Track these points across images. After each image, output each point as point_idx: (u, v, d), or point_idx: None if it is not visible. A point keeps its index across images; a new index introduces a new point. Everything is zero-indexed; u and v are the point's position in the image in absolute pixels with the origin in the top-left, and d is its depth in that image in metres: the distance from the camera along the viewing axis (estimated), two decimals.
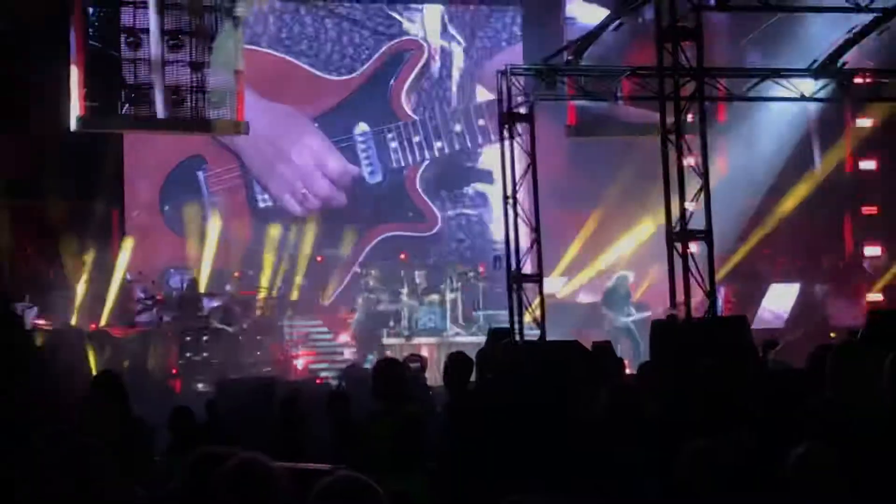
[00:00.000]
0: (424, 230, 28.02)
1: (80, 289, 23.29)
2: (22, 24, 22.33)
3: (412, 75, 28.18)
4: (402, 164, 27.93)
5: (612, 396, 7.43)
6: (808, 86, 19.76)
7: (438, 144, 28.06)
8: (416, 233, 27.82)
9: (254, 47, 26.20)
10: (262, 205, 27.07)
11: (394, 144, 27.99)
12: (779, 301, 24.57)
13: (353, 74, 28.03)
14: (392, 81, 28.07)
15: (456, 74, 28.47)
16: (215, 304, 23.24)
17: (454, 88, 28.40)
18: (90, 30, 21.84)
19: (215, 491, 4.19)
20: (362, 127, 27.90)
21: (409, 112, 28.12)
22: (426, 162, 28.06)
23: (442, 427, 9.12)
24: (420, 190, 28.13)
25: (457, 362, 9.42)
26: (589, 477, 7.32)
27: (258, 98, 25.21)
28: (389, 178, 27.88)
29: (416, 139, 28.03)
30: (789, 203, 25.22)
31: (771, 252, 25.90)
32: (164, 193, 26.53)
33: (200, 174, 26.85)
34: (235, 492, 4.15)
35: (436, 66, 28.42)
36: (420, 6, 28.37)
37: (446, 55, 28.43)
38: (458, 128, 28.12)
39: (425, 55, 28.24)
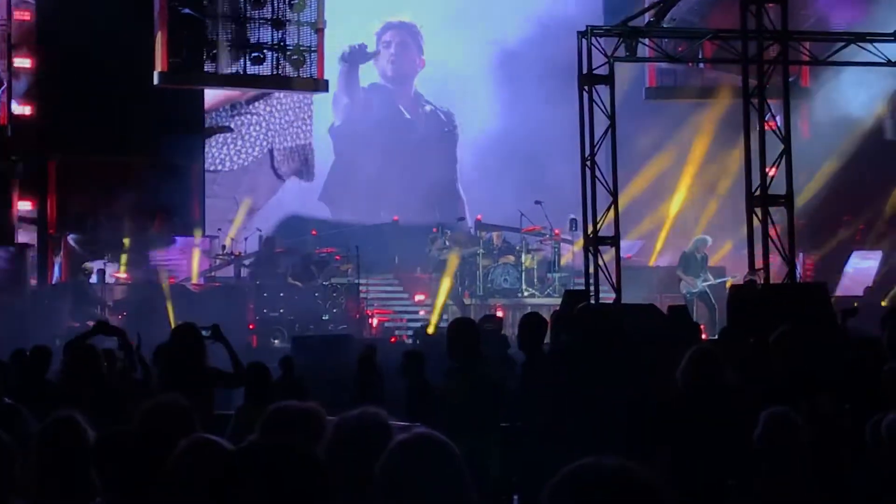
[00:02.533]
0: None
1: (160, 243, 23.56)
2: None
3: None
4: None
5: (691, 360, 7.37)
6: (895, 50, 19.42)
7: None
8: None
9: None
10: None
11: None
12: (861, 269, 24.30)
13: None
14: None
15: None
16: (292, 261, 23.41)
17: None
18: None
19: (331, 440, 4.23)
20: None
21: None
22: None
23: (517, 388, 9.13)
24: None
25: (531, 324, 9.39)
26: (665, 441, 7.29)
27: None
28: None
29: None
30: (871, 168, 24.87)
31: (852, 218, 25.58)
32: None
33: None
34: (356, 444, 4.18)
35: None
36: None
37: None
38: None
39: None
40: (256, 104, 27.50)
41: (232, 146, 27.35)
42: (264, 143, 27.61)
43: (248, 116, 27.52)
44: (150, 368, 9.48)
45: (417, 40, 28.70)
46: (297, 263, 23.24)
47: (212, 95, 26.52)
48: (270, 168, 27.74)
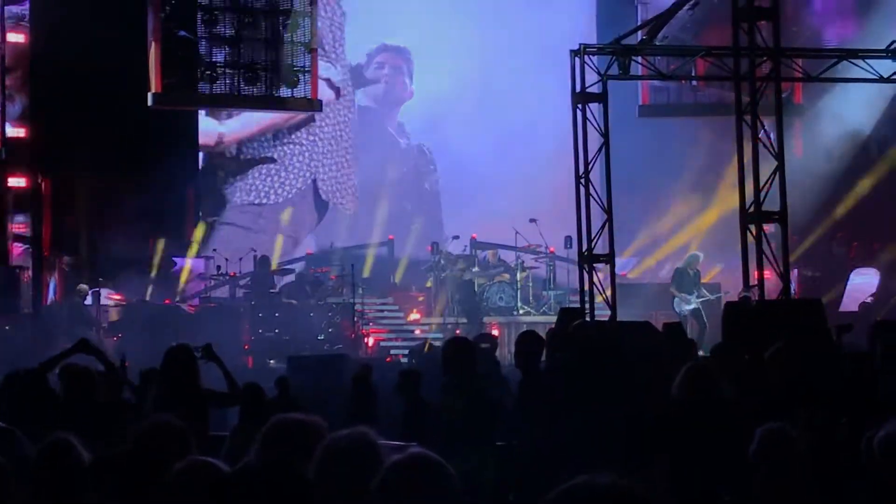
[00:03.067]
0: None
1: (156, 264, 23.56)
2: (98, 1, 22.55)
3: None
4: None
5: (687, 376, 7.38)
6: (887, 67, 19.43)
7: None
8: None
9: None
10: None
11: None
12: (857, 284, 24.32)
13: None
14: None
15: None
16: (287, 280, 23.41)
17: None
18: (167, 7, 21.99)
19: (319, 460, 4.23)
20: None
21: None
22: None
23: (513, 406, 9.14)
24: None
25: (528, 341, 9.40)
26: (662, 451, 7.30)
27: None
28: None
29: None
30: (866, 185, 24.88)
31: (846, 235, 25.59)
32: None
33: None
34: (345, 464, 4.18)
35: None
36: None
37: None
38: None
39: None
40: (298, 133, 27.57)
41: (276, 177, 27.40)
42: (308, 174, 27.63)
43: (291, 146, 27.58)
44: (136, 389, 9.47)
45: (410, 67, 28.74)
46: (291, 282, 23.26)
47: (254, 122, 26.65)
48: (314, 198, 27.74)
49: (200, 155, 26.73)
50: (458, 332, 21.89)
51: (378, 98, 28.83)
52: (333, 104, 27.52)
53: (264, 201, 27.25)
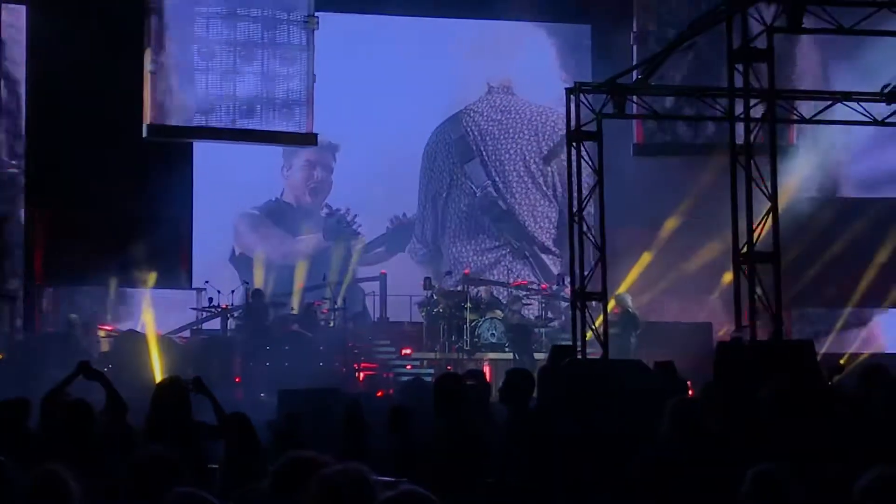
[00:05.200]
0: None
1: (147, 296, 23.51)
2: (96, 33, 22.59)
3: None
4: None
5: (673, 412, 7.37)
6: (881, 109, 19.49)
7: None
8: None
9: None
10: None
11: None
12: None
13: None
14: None
15: None
16: (280, 313, 23.37)
17: None
18: (163, 40, 22.08)
19: (314, 496, 4.22)
20: None
21: None
22: None
23: (502, 444, 9.11)
24: None
25: (518, 379, 9.38)
26: (648, 495, 7.28)
27: None
28: None
29: None
30: (859, 226, 24.91)
31: (839, 275, 25.57)
32: None
33: None
34: (338, 499, 4.17)
35: None
36: None
37: None
38: None
39: None
40: None
41: None
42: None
43: None
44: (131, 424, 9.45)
45: None
46: (284, 316, 23.24)
47: None
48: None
49: None
50: (448, 367, 21.87)
51: None
52: None
53: None
